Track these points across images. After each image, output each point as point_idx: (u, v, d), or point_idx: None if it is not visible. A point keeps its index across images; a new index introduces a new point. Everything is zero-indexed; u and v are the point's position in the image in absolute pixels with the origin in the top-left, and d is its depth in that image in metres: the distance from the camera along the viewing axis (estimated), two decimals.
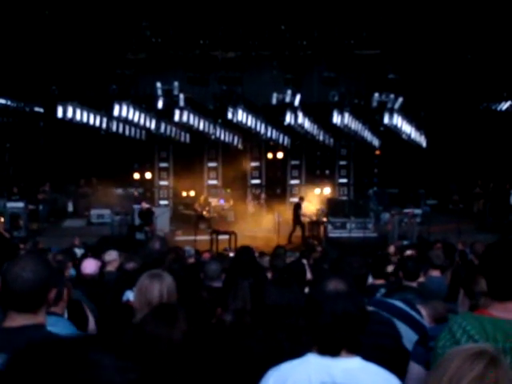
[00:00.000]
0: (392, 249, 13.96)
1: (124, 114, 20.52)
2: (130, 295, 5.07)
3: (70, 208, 24.31)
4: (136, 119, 21.08)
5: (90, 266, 7.18)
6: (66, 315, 3.96)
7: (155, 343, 2.92)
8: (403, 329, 3.94)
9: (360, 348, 2.60)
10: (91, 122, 21.09)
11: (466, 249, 11.18)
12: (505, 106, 23.19)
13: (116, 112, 20.43)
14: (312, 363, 2.56)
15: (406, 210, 21.05)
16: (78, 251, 12.76)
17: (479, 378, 1.67)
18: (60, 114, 20.18)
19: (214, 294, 5.40)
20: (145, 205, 20.16)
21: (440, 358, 2.44)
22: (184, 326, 3.01)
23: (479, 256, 7.24)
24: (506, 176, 23.36)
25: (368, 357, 2.61)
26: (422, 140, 23.37)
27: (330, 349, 2.56)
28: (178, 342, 2.96)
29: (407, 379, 2.86)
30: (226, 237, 18.87)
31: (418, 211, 21.56)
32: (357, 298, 2.68)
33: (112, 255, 7.73)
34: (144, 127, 22.19)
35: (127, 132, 22.76)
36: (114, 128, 21.98)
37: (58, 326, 3.07)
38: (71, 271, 8.24)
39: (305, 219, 21.55)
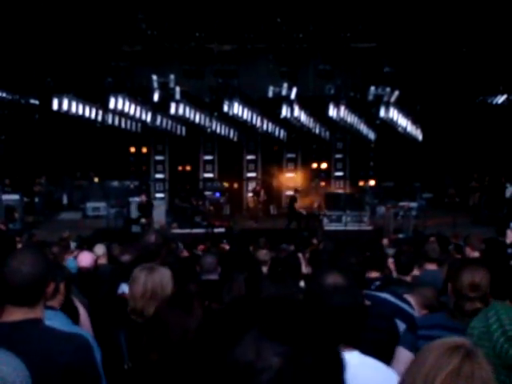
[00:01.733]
0: (385, 241, 14.00)
1: (120, 106, 20.47)
2: (125, 288, 5.08)
3: (65, 201, 24.30)
4: (132, 112, 21.04)
5: (85, 259, 7.19)
6: None
7: (171, 331, 2.90)
8: (397, 323, 3.96)
9: (359, 342, 2.61)
10: (87, 114, 21.04)
11: (459, 241, 11.20)
12: (501, 99, 23.20)
13: (112, 104, 20.39)
14: None
15: (402, 204, 21.09)
16: (72, 244, 12.76)
17: (455, 371, 1.67)
18: (55, 106, 20.12)
19: (210, 286, 5.40)
20: (144, 197, 20.13)
21: (475, 339, 2.49)
22: (200, 314, 2.99)
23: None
24: (501, 169, 23.41)
25: (367, 351, 2.62)
26: (418, 133, 23.38)
27: None
28: (194, 331, 2.95)
29: (394, 363, 2.88)
30: (222, 230, 18.90)
31: (413, 205, 21.59)
32: (355, 293, 2.68)
33: (101, 248, 7.76)
34: (140, 120, 22.15)
35: (123, 124, 22.73)
36: (110, 120, 21.94)
37: (55, 320, 3.06)
38: (69, 263, 8.23)
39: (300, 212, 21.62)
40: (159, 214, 20.44)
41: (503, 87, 22.90)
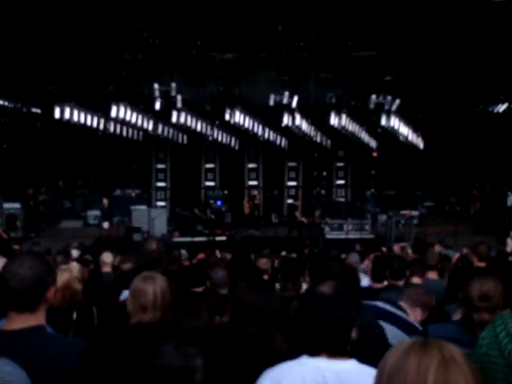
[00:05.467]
0: (397, 247, 13.90)
1: (121, 115, 20.49)
2: (127, 295, 5.09)
3: (67, 208, 24.30)
4: (133, 120, 21.06)
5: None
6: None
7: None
8: (388, 328, 3.96)
9: (348, 352, 2.62)
10: (88, 122, 21.04)
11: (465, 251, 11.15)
12: (501, 108, 23.24)
13: (113, 113, 20.41)
14: (306, 365, 2.59)
15: (403, 212, 21.09)
16: (75, 252, 12.75)
17: (415, 368, 1.67)
18: (57, 114, 20.14)
19: (220, 300, 5.39)
20: (106, 201, 20.70)
21: (484, 349, 2.50)
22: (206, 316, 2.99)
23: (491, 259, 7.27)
24: (502, 178, 23.41)
25: (362, 361, 2.63)
26: (419, 142, 23.38)
27: (313, 351, 2.60)
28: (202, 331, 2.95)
29: None
30: (223, 238, 18.90)
31: (415, 213, 21.61)
32: (347, 303, 2.66)
33: (109, 257, 7.79)
34: (141, 128, 22.17)
35: (124, 133, 22.75)
36: (112, 129, 21.97)
37: None
38: None
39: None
40: (161, 222, 20.44)
41: (504, 96, 22.94)
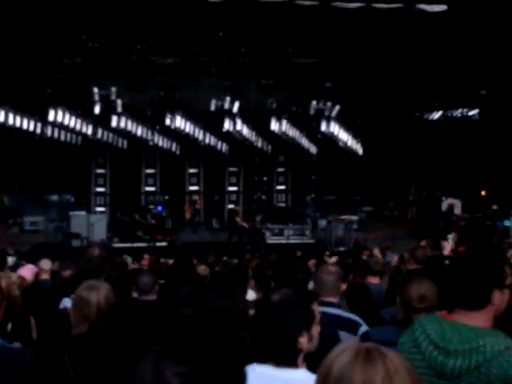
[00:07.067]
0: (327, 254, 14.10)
1: (59, 119, 20.11)
2: (67, 303, 4.99)
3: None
4: (72, 124, 20.69)
5: (26, 273, 7.02)
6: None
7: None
8: (345, 336, 4.02)
9: (295, 361, 2.61)
10: (25, 126, 20.56)
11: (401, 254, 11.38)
12: (436, 115, 23.93)
13: (51, 117, 20.02)
14: (256, 372, 2.57)
15: (343, 217, 21.39)
16: (11, 259, 12.42)
17: (361, 381, 1.70)
18: None
19: (148, 308, 5.30)
20: None
21: (405, 355, 2.55)
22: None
23: (424, 262, 7.45)
24: (437, 183, 24.02)
25: (312, 364, 2.63)
26: (358, 148, 23.77)
27: (261, 358, 2.61)
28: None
29: None
30: (164, 244, 18.75)
31: (354, 218, 21.93)
32: (294, 312, 2.65)
33: (48, 264, 7.62)
34: (80, 133, 21.79)
35: (63, 137, 22.31)
36: (49, 133, 21.51)
37: None
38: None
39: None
40: (100, 228, 20.14)
41: (439, 104, 23.62)
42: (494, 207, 20.82)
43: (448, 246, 9.20)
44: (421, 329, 2.68)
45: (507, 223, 19.16)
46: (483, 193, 22.29)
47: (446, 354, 2.58)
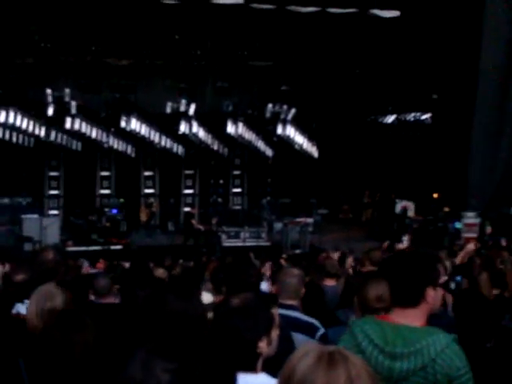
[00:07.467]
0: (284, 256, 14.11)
1: (11, 120, 19.73)
2: (20, 308, 4.89)
3: None
4: (24, 126, 20.32)
5: None
6: None
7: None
8: (300, 338, 4.02)
9: (255, 365, 2.60)
10: None
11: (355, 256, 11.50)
12: (390, 119, 24.29)
13: (2, 118, 19.62)
14: None
15: (298, 219, 21.50)
16: None
17: (310, 370, 1.73)
18: None
19: (106, 311, 5.24)
20: None
21: None
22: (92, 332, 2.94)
23: (380, 263, 7.53)
24: (391, 186, 24.35)
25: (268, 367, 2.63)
26: (314, 151, 23.93)
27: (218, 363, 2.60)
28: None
29: None
30: (119, 247, 18.58)
31: (309, 220, 22.06)
32: (254, 317, 2.64)
33: None
34: (33, 134, 21.40)
35: (14, 139, 21.86)
36: (1, 135, 21.06)
37: None
38: None
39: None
40: (53, 231, 19.82)
41: (392, 108, 23.99)
42: (446, 209, 21.17)
43: (402, 248, 9.35)
44: (363, 334, 2.70)
45: (458, 225, 19.52)
46: (435, 195, 22.65)
47: (392, 358, 2.62)
